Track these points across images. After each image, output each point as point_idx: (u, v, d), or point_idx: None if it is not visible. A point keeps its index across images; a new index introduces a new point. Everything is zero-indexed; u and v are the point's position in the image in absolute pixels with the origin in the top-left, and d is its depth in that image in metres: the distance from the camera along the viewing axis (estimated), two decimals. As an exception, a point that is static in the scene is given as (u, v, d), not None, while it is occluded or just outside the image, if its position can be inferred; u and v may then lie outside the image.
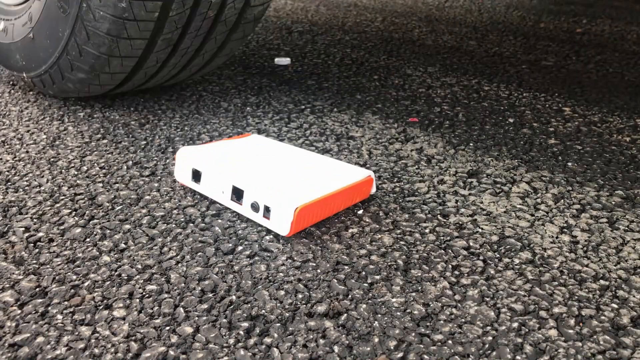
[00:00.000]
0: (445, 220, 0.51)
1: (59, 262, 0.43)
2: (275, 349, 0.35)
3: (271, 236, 0.47)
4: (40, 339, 0.35)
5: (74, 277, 0.41)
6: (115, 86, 0.75)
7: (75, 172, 0.58)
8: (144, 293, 0.39)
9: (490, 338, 0.36)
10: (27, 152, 0.63)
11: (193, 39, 0.72)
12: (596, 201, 0.56)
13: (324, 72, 1.05)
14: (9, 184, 0.55)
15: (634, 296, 0.41)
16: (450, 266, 0.44)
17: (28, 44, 0.74)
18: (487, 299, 0.40)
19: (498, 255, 0.46)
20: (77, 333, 0.35)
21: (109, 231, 0.47)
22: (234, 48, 0.82)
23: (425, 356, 0.35)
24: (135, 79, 0.75)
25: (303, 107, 0.83)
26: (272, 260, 0.44)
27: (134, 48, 0.67)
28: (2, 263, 0.42)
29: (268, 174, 0.50)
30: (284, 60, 1.10)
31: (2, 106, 0.78)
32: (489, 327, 0.37)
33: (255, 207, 0.47)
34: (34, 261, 0.43)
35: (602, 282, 0.43)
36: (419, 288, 0.41)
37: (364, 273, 0.43)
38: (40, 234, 0.46)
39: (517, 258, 0.45)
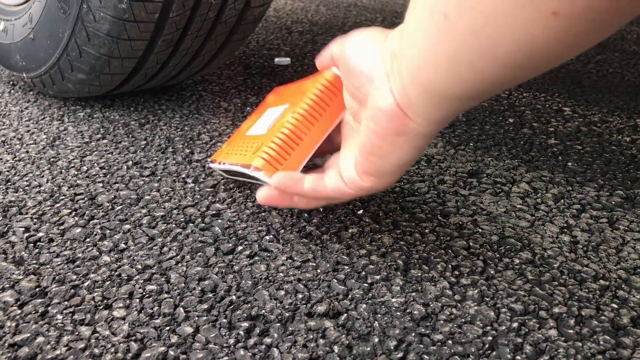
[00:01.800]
0: (445, 220, 0.51)
1: (59, 262, 0.43)
2: (275, 349, 0.35)
3: (271, 236, 0.47)
4: (40, 339, 0.35)
5: (74, 277, 0.41)
6: (115, 87, 0.75)
7: (75, 172, 0.58)
8: (144, 293, 0.39)
9: (490, 338, 0.36)
10: (27, 152, 0.63)
11: (193, 40, 0.72)
12: (596, 201, 0.56)
13: (324, 72, 1.05)
14: (9, 184, 0.55)
15: (634, 296, 0.41)
16: (450, 266, 0.44)
17: (28, 44, 0.74)
18: (487, 299, 0.40)
19: (498, 255, 0.46)
20: (77, 333, 0.35)
21: (109, 231, 0.47)
22: (234, 49, 0.82)
23: (425, 356, 0.35)
24: (135, 80, 0.75)
25: (303, 107, 0.84)
26: (272, 260, 0.44)
27: (134, 49, 0.67)
28: (2, 263, 0.42)
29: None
30: (284, 60, 1.10)
31: (2, 106, 0.78)
32: (488, 327, 0.37)
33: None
34: (34, 261, 0.43)
35: (602, 282, 0.43)
36: (419, 288, 0.41)
37: (364, 273, 0.43)
38: (40, 234, 0.46)
39: (517, 258, 0.45)
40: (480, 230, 0.50)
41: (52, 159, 0.61)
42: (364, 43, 0.37)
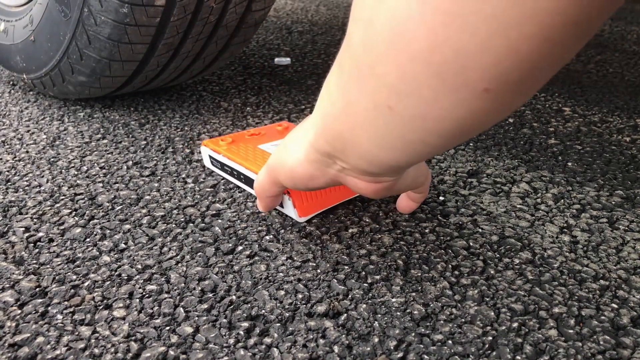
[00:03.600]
0: (445, 220, 0.51)
1: (59, 262, 0.43)
2: (275, 349, 0.35)
3: (271, 236, 0.47)
4: (40, 339, 0.35)
5: (74, 277, 0.41)
6: (116, 89, 0.76)
7: (75, 172, 0.58)
8: (144, 293, 0.39)
9: (490, 338, 0.36)
10: (27, 152, 0.63)
11: (194, 44, 0.72)
12: (596, 201, 0.56)
13: (324, 72, 1.05)
14: (9, 184, 0.55)
15: (634, 296, 0.41)
16: (450, 266, 0.44)
17: (29, 46, 0.74)
18: (487, 299, 0.40)
19: (498, 255, 0.46)
20: (77, 333, 0.35)
21: (109, 231, 0.47)
22: (234, 52, 0.82)
23: (425, 356, 0.35)
24: (135, 82, 0.75)
25: (303, 107, 0.84)
26: (272, 260, 0.44)
27: (135, 52, 0.67)
28: (2, 263, 0.42)
29: None
30: (284, 60, 1.10)
31: (2, 106, 0.78)
32: (489, 327, 0.37)
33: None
34: (34, 261, 0.43)
35: (602, 282, 0.43)
36: (419, 288, 0.41)
37: (364, 273, 0.43)
38: (40, 234, 0.46)
39: (517, 258, 0.45)
40: (480, 230, 0.50)
41: (52, 159, 0.61)
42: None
